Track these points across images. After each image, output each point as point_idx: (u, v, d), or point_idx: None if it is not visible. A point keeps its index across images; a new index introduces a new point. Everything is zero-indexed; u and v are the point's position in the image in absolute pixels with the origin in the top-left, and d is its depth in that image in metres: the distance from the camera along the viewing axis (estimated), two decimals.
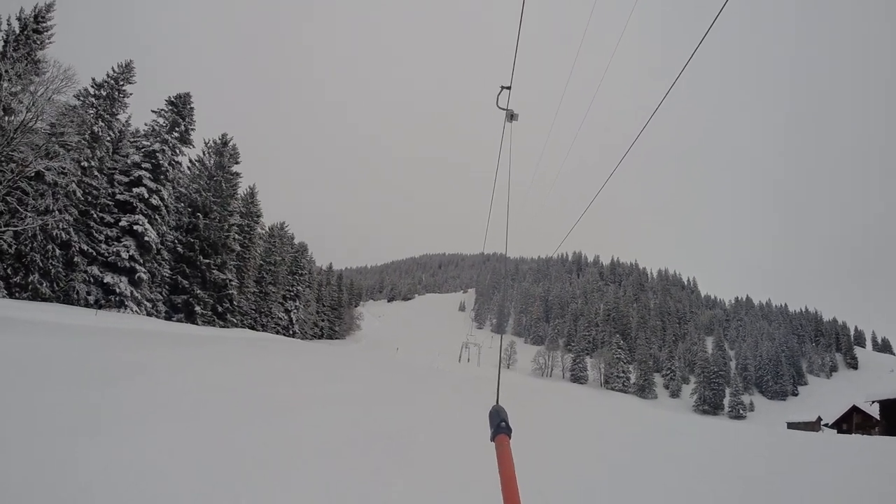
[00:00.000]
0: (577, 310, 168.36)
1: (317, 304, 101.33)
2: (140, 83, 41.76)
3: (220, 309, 47.89)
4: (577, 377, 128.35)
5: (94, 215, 36.31)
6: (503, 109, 5.25)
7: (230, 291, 48.85)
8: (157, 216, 39.36)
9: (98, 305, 34.69)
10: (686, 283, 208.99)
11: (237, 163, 53.28)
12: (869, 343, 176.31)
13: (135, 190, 38.22)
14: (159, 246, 41.76)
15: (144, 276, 37.55)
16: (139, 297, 37.62)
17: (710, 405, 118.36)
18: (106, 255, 36.17)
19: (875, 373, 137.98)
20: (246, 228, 56.71)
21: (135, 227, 37.12)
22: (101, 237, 36.47)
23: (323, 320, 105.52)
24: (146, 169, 39.43)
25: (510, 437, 1.35)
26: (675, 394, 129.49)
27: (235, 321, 51.90)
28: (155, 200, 38.97)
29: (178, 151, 43.18)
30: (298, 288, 80.00)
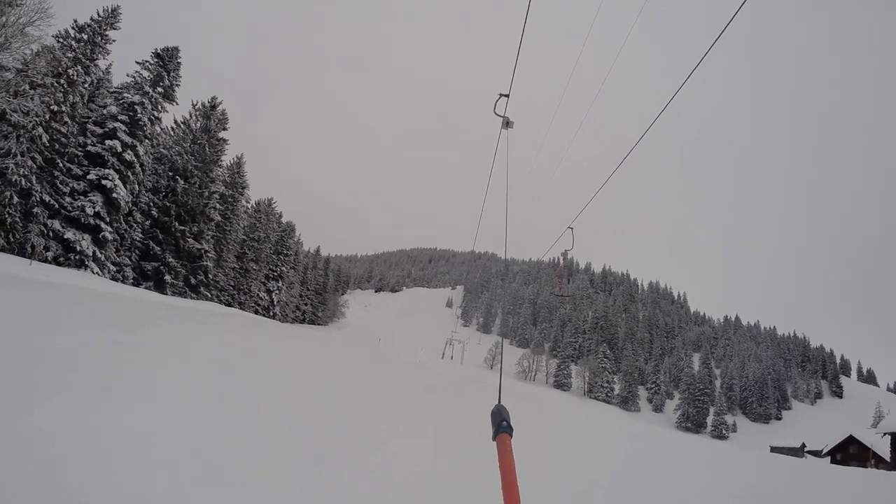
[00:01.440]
0: (566, 315, 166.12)
1: (301, 287, 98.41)
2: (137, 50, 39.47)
3: (193, 280, 44.88)
4: (561, 383, 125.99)
5: (61, 165, 33.36)
6: (500, 116, 5.32)
7: (205, 263, 45.85)
8: (129, 173, 36.36)
9: (57, 262, 31.82)
10: (676, 297, 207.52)
11: (225, 129, 50.33)
12: (854, 373, 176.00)
13: (108, 142, 35.29)
14: (131, 206, 38.86)
15: (109, 236, 34.59)
16: (102, 258, 34.65)
17: (692, 423, 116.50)
18: (69, 209, 33.26)
19: (860, 403, 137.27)
20: (229, 199, 53.68)
21: (103, 182, 34.18)
22: (67, 189, 33.56)
23: (306, 304, 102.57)
24: (122, 122, 36.50)
25: (512, 437, 1.40)
26: (658, 408, 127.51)
27: (210, 295, 48.92)
28: (129, 156, 36.03)
29: (159, 107, 40.24)
30: (282, 268, 77.06)
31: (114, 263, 37.38)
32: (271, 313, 73.61)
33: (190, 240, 43.67)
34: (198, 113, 49.04)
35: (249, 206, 61.96)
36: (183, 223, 43.57)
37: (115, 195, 34.52)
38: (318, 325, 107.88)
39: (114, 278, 37.75)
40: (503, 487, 1.16)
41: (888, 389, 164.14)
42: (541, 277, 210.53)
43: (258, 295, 69.79)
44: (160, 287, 41.36)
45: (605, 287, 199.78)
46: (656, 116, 5.19)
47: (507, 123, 5.45)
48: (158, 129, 42.05)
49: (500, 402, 1.60)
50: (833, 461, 58.94)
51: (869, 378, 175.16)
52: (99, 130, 35.96)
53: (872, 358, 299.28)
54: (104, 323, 12.26)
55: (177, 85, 41.85)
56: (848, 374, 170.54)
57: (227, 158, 53.87)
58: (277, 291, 75.42)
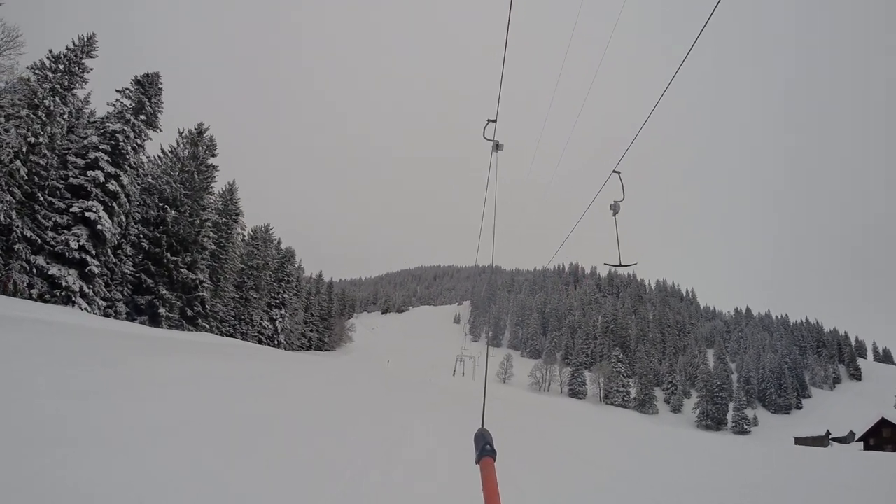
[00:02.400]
0: (575, 322, 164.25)
1: (305, 313, 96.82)
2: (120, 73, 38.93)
3: (189, 312, 43.31)
4: (576, 392, 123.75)
5: (42, 199, 32.10)
6: (489, 140, 5.52)
7: (201, 293, 44.27)
8: (115, 204, 35.05)
9: (42, 299, 30.43)
10: (685, 294, 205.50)
11: (213, 155, 49.14)
12: (870, 354, 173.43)
13: (90, 173, 34.02)
14: (120, 239, 37.60)
15: (97, 270, 33.17)
16: (91, 293, 33.20)
17: (713, 420, 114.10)
18: (53, 244, 31.90)
19: (880, 384, 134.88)
20: (223, 227, 52.39)
21: (87, 214, 32.86)
22: (49, 224, 32.23)
23: (311, 330, 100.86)
24: (104, 151, 35.27)
25: (495, 460, 1.41)
26: (676, 409, 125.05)
27: (209, 327, 47.38)
28: (113, 186, 34.73)
29: (143, 135, 38.97)
30: (284, 295, 75.55)
31: (104, 298, 35.96)
32: (276, 342, 72.04)
33: (183, 270, 42.22)
34: (185, 140, 47.89)
35: (245, 233, 60.53)
36: (175, 254, 42.17)
37: (100, 227, 33.17)
38: (326, 350, 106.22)
39: (105, 314, 36.37)
40: None
41: None
42: (547, 286, 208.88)
43: (261, 324, 68.26)
44: (155, 321, 39.88)
45: (612, 290, 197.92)
46: (649, 114, 4.87)
47: (496, 146, 5.60)
48: (144, 159, 40.80)
49: (483, 426, 1.65)
50: (867, 447, 56.74)
51: (885, 357, 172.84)
52: (80, 162, 34.76)
53: (887, 337, 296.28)
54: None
55: (159, 111, 40.67)
56: (864, 356, 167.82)
57: (219, 186, 52.83)
58: (281, 319, 73.85)
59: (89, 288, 33.11)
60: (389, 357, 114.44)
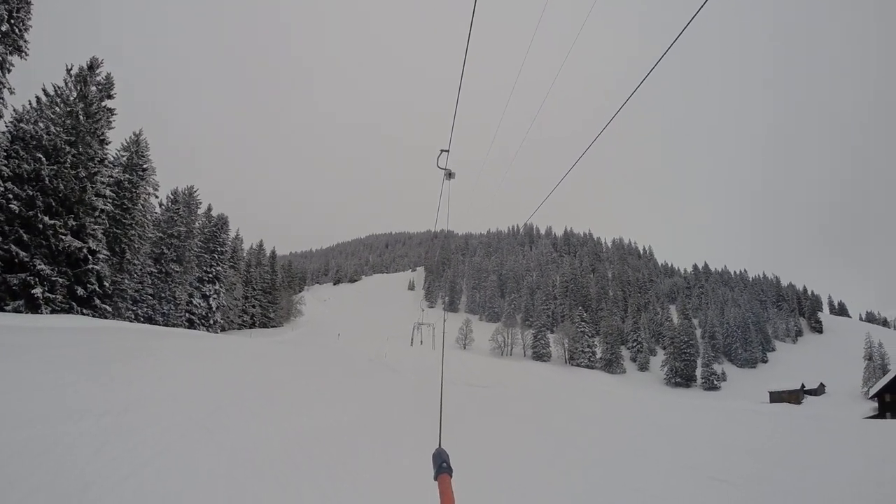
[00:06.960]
0: (533, 283, 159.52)
1: (245, 287, 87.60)
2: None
3: (81, 292, 34.03)
4: (540, 354, 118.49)
5: None
6: (442, 169, 5.72)
7: (95, 267, 34.89)
8: None
9: None
10: (642, 251, 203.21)
11: (110, 97, 39.43)
12: (826, 307, 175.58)
13: None
14: None
15: None
16: None
17: (682, 377, 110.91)
18: None
19: (842, 336, 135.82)
20: (127, 185, 42.88)
21: None
22: None
23: (253, 306, 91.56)
24: None
25: (451, 477, 1.58)
26: (643, 367, 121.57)
27: (110, 309, 38.13)
28: None
29: (3, 65, 29.42)
30: (218, 268, 66.12)
31: None
32: (211, 321, 63.10)
33: (66, 237, 32.76)
34: (74, 80, 38.06)
35: (157, 193, 50.29)
36: (55, 216, 32.79)
37: None
38: (271, 327, 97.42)
39: None
40: None
41: (861, 320, 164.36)
42: (502, 248, 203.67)
43: (190, 302, 59.17)
44: (33, 305, 30.83)
45: (568, 249, 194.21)
46: (627, 98, 4.50)
47: (449, 175, 5.86)
48: (7, 95, 30.92)
49: (440, 445, 1.80)
50: (882, 403, 52.23)
51: (841, 311, 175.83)
52: None
53: (841, 291, 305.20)
54: None
55: (25, 30, 30.88)
56: (820, 309, 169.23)
57: (122, 137, 43.18)
58: (215, 296, 64.65)
59: None
60: (341, 330, 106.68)
